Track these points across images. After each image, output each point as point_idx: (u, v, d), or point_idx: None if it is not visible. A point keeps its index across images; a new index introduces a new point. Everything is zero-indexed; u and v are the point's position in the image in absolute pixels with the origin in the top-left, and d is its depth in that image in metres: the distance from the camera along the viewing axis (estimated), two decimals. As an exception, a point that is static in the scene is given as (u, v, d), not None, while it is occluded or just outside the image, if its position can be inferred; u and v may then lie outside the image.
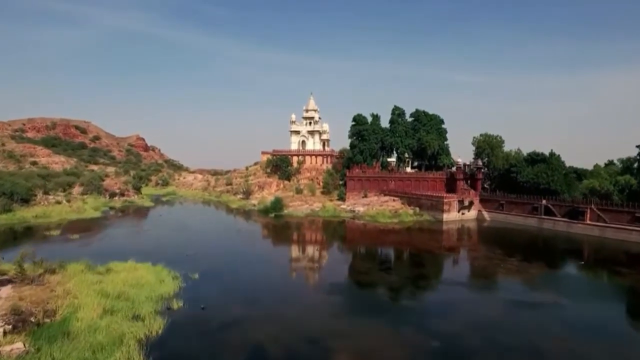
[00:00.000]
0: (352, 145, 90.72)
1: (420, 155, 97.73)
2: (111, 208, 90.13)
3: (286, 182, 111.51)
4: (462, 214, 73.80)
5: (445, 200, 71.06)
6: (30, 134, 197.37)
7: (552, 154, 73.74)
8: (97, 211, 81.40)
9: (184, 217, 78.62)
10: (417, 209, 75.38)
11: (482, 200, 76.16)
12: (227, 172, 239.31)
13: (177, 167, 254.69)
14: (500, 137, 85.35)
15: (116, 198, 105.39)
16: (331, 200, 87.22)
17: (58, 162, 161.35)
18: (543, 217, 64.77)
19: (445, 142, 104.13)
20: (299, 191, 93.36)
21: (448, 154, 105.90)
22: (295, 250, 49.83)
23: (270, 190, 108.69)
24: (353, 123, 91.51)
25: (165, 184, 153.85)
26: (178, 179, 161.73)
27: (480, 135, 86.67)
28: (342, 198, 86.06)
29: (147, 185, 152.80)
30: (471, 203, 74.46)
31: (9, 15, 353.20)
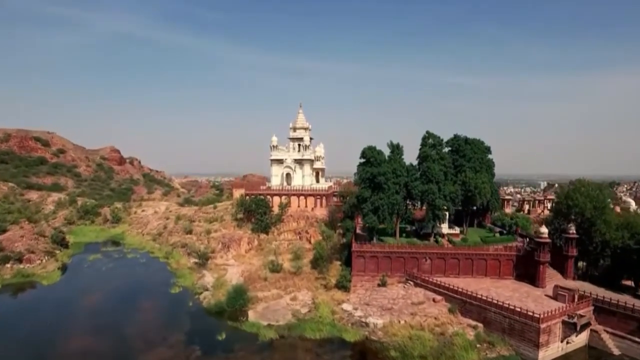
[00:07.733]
0: (361, 199, 55.64)
1: (463, 204, 63.67)
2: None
3: (263, 235, 77.61)
4: (567, 342, 39.93)
5: (544, 324, 37.18)
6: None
7: None
8: None
9: (56, 341, 44.04)
10: (482, 328, 41.60)
11: (597, 310, 42.20)
12: (213, 185, 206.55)
13: (157, 182, 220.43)
14: (608, 187, 51.45)
15: (8, 265, 71.31)
16: (326, 288, 53.39)
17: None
18: None
19: (494, 180, 70.77)
20: (275, 268, 59.12)
21: (498, 200, 71.82)
22: None
23: (239, 251, 74.62)
24: (362, 160, 56.78)
25: (117, 220, 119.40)
26: (135, 212, 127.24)
27: (570, 182, 52.93)
28: (344, 285, 52.12)
29: (93, 222, 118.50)
30: (587, 324, 40.51)
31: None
